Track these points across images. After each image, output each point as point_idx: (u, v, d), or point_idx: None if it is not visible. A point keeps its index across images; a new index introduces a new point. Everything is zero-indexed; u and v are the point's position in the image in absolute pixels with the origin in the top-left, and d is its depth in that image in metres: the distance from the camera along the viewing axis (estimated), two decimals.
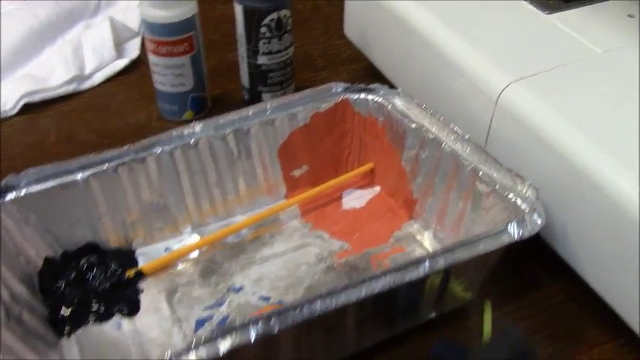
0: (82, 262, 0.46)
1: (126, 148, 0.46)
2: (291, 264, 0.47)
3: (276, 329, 0.34)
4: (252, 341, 0.33)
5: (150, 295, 0.45)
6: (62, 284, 0.44)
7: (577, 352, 0.42)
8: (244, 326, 0.33)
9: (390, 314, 0.39)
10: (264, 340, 0.34)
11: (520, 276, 0.47)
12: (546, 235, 0.43)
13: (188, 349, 0.32)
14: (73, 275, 0.45)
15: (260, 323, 0.33)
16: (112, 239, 0.47)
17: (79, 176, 0.44)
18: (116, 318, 0.43)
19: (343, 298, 0.35)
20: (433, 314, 0.42)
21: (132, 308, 0.44)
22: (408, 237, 0.48)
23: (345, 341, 0.39)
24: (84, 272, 0.46)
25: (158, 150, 0.46)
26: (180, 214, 0.49)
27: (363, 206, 0.51)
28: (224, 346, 0.33)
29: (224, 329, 0.33)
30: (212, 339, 0.33)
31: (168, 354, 0.32)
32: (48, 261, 0.45)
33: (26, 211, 0.43)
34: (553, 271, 0.46)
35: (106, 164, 0.45)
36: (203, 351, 0.32)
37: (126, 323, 0.43)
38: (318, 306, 0.34)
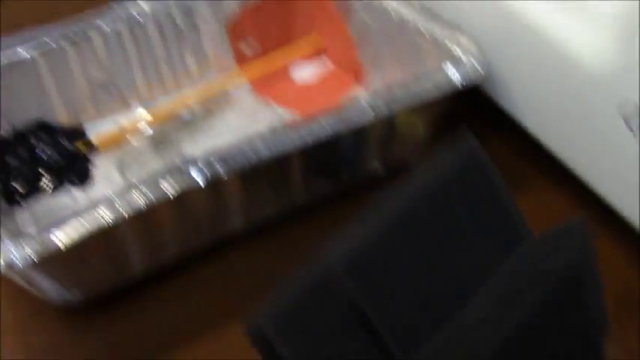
0: (32, 139, 0.46)
1: (70, 23, 0.45)
2: (242, 135, 0.47)
3: (221, 172, 0.35)
4: (203, 185, 0.34)
5: (101, 167, 0.45)
6: (13, 160, 0.45)
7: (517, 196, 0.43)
8: (187, 165, 0.34)
9: (334, 165, 0.40)
10: (211, 186, 0.35)
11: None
12: (488, 89, 0.44)
13: (131, 187, 0.33)
14: (23, 151, 0.45)
15: (205, 167, 0.34)
16: (61, 117, 0.47)
17: (26, 53, 0.44)
18: (69, 188, 0.44)
19: (287, 143, 0.36)
20: (380, 168, 0.43)
21: (83, 178, 0.44)
22: None
23: (292, 193, 0.40)
24: (35, 148, 0.46)
25: (103, 25, 0.46)
26: (129, 91, 0.49)
27: (312, 76, 0.51)
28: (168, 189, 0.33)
29: (167, 170, 0.34)
30: (155, 180, 0.33)
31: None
32: None
33: None
34: (494, 128, 0.48)
35: (52, 41, 0.44)
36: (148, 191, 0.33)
37: (79, 194, 0.44)
38: (262, 149, 0.35)
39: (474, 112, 0.47)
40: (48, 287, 0.36)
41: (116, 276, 0.37)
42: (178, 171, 0.34)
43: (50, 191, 0.44)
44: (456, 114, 0.41)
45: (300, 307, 0.29)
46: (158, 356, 0.36)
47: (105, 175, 0.45)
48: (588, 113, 0.38)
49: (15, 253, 0.30)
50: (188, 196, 0.35)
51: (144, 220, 0.35)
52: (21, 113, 0.45)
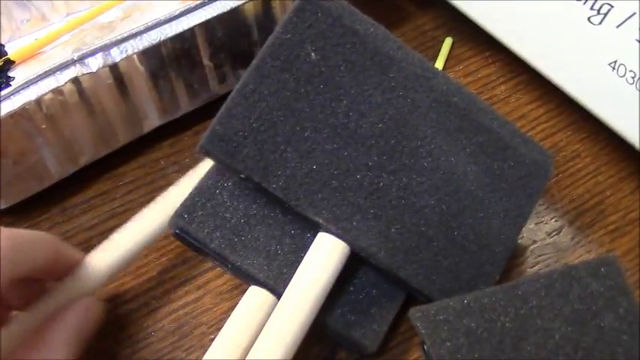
0: None
1: None
2: None
3: (118, 58, 0.34)
4: (95, 70, 0.33)
5: (22, 80, 0.44)
6: None
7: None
8: (83, 58, 0.33)
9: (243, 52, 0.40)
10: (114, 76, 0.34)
11: (386, 11, 0.47)
12: None
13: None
14: None
15: (100, 54, 0.34)
16: None
17: None
18: None
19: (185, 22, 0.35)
20: None
21: None
22: None
23: (206, 84, 0.40)
24: None
25: None
26: (45, 2, 0.47)
27: None
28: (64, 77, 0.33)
29: (63, 63, 0.33)
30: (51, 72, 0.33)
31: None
32: None
33: None
34: (420, 4, 0.47)
35: None
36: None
37: None
38: (158, 32, 0.34)
39: None
40: None
41: (35, 182, 0.37)
42: (70, 62, 0.33)
43: None
44: None
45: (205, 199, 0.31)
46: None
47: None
48: None
49: None
50: (90, 89, 0.34)
51: (45, 116, 0.34)
52: None
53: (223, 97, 0.40)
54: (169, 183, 0.38)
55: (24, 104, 0.32)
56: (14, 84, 0.43)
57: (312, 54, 0.30)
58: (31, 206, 0.38)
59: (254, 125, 0.29)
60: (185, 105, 0.40)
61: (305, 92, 0.29)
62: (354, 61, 0.30)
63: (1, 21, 0.46)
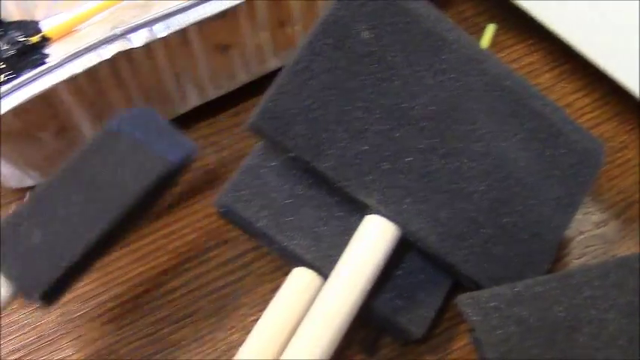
0: None
1: None
2: None
3: (162, 34, 0.33)
4: (138, 45, 0.33)
5: (58, 58, 0.44)
6: None
7: None
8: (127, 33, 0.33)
9: None
10: (150, 51, 0.34)
11: None
12: None
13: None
14: None
15: (144, 29, 0.33)
16: (13, 12, 0.46)
17: None
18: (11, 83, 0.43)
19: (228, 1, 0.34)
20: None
21: None
22: None
23: (246, 64, 0.39)
24: None
25: None
26: None
27: None
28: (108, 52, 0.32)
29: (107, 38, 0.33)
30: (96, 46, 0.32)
31: None
32: None
33: None
34: None
35: None
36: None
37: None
38: (204, 9, 0.34)
39: None
40: (4, 171, 0.35)
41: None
42: (114, 37, 0.33)
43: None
44: None
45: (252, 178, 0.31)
46: None
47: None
48: None
49: None
50: (129, 62, 0.34)
51: (88, 91, 0.34)
52: None
53: (263, 78, 0.41)
54: (207, 163, 0.39)
55: (67, 78, 0.32)
56: (50, 60, 0.43)
57: (365, 33, 0.29)
58: None
59: (305, 103, 0.28)
60: (224, 85, 0.39)
61: (357, 71, 0.29)
62: (406, 42, 0.30)
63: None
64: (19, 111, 0.31)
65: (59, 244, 0.27)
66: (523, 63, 0.42)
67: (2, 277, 0.27)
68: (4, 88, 0.31)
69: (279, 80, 0.28)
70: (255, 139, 0.39)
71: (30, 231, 0.27)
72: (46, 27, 0.46)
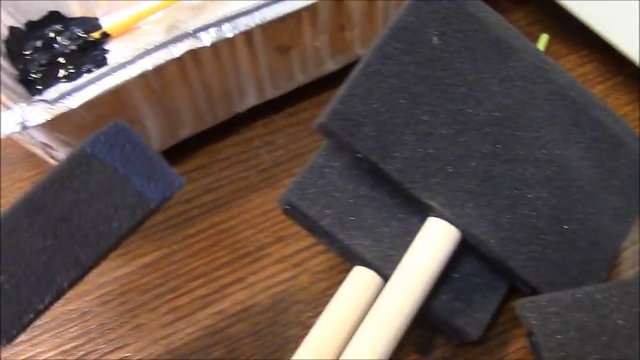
0: (46, 30, 0.46)
1: None
2: None
3: (229, 34, 0.34)
4: (208, 45, 0.34)
5: (117, 54, 0.45)
6: (29, 51, 0.45)
7: None
8: (197, 32, 0.34)
9: None
10: (218, 51, 0.35)
11: None
12: None
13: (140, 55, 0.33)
14: (39, 42, 0.45)
15: (213, 29, 0.34)
16: (74, 8, 0.47)
17: None
18: (85, 77, 0.44)
19: (293, 4, 0.35)
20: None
21: (100, 67, 0.44)
22: None
23: (305, 65, 0.40)
24: (50, 39, 0.46)
25: None
26: None
27: None
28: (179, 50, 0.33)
29: (178, 36, 0.34)
30: (167, 44, 0.33)
31: None
32: (12, 30, 0.45)
33: None
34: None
35: None
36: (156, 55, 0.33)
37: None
38: (269, 12, 0.35)
39: None
40: None
41: None
42: (185, 36, 0.34)
43: (67, 80, 0.44)
44: None
45: (316, 177, 0.31)
46: (180, 227, 0.37)
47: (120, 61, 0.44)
48: None
49: (30, 113, 0.31)
50: (196, 61, 0.35)
51: (155, 87, 0.35)
52: (32, 4, 0.45)
53: (318, 80, 0.41)
54: (262, 162, 0.39)
55: (137, 75, 0.33)
56: (110, 57, 0.45)
57: (435, 38, 0.30)
58: None
59: (375, 105, 0.29)
60: (282, 86, 0.40)
61: (425, 76, 0.29)
62: (474, 48, 0.30)
63: None
64: (90, 105, 0.32)
65: (27, 290, 0.24)
66: (576, 73, 0.42)
67: None
68: (80, 81, 0.32)
69: (349, 82, 0.29)
70: (310, 139, 0.40)
71: None
72: (106, 24, 0.47)
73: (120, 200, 0.25)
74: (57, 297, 0.24)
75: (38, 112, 0.31)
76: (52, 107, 0.31)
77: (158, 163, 0.26)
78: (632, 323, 0.28)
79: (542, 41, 0.44)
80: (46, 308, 0.24)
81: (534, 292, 0.30)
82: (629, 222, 0.31)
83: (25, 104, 0.31)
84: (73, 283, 0.24)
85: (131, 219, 0.25)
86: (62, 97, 0.32)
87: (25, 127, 0.31)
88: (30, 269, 0.24)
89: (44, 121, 0.31)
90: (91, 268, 0.25)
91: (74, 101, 0.32)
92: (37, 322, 0.33)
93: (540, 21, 0.45)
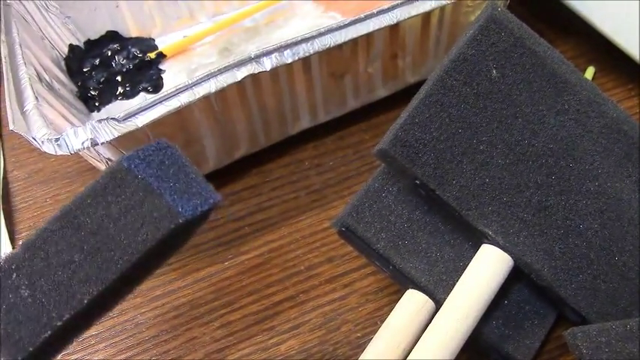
0: (104, 49, 0.48)
1: None
2: None
3: (289, 60, 0.35)
4: (269, 69, 0.35)
5: (171, 74, 0.47)
6: (88, 68, 0.46)
7: None
8: (259, 57, 0.35)
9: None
10: (277, 76, 0.36)
11: None
12: None
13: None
14: (97, 60, 0.47)
15: (274, 54, 0.35)
16: (131, 28, 0.49)
17: None
18: (142, 95, 0.45)
19: (351, 32, 0.36)
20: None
21: (155, 86, 0.46)
22: None
23: (357, 90, 0.41)
24: (108, 58, 0.47)
25: None
26: (195, 3, 0.50)
27: None
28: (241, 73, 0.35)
29: (240, 61, 0.35)
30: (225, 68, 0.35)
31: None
32: (73, 47, 0.46)
33: None
34: (561, 32, 0.47)
35: None
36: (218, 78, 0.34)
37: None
38: (328, 39, 0.36)
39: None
40: None
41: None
42: (247, 60, 0.35)
43: (124, 97, 0.45)
44: None
45: (372, 201, 0.32)
46: (233, 245, 0.38)
47: (175, 81, 0.46)
48: None
49: (99, 131, 0.32)
50: (255, 84, 0.36)
51: (215, 108, 0.36)
52: (92, 23, 0.47)
53: (368, 106, 0.42)
54: (312, 183, 0.40)
55: (202, 96, 0.34)
56: (165, 76, 0.46)
57: (494, 71, 0.31)
58: None
59: (434, 134, 0.30)
60: (335, 110, 0.41)
61: (483, 107, 0.30)
62: (531, 81, 0.31)
63: (154, 17, 0.49)
64: (155, 123, 0.33)
65: (48, 303, 0.23)
66: (623, 107, 0.43)
67: None
68: (147, 101, 0.33)
69: (409, 111, 0.30)
70: (358, 163, 0.41)
71: (17, 286, 0.23)
72: (162, 44, 0.49)
73: (148, 213, 0.23)
74: (77, 315, 0.23)
75: (108, 129, 0.32)
76: (122, 125, 0.32)
77: (195, 180, 0.24)
78: None
79: (589, 74, 0.45)
80: (67, 326, 0.23)
81: (583, 321, 0.31)
82: None
83: (95, 122, 0.32)
84: (93, 302, 0.23)
85: (156, 232, 0.23)
86: (131, 115, 0.33)
87: (95, 144, 0.32)
88: (54, 283, 0.23)
89: (112, 138, 0.32)
90: (113, 286, 0.23)
91: (141, 120, 0.33)
92: (92, 332, 0.35)
93: (586, 53, 0.46)
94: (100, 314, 0.25)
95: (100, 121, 0.33)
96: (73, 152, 0.32)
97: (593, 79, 0.45)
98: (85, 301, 0.23)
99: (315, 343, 0.34)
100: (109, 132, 0.32)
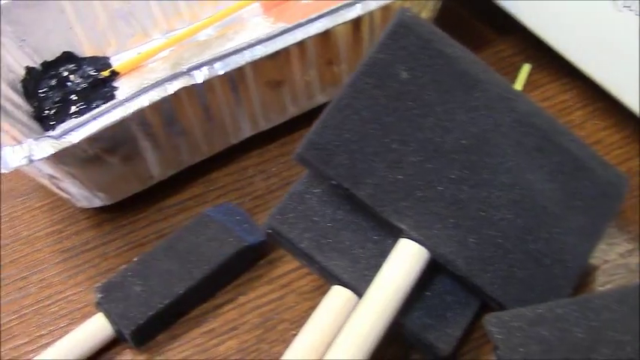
0: (61, 69, 0.49)
1: None
2: None
3: (220, 72, 0.37)
4: (201, 82, 0.37)
5: (124, 90, 0.48)
6: (44, 89, 0.48)
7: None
8: (191, 70, 0.37)
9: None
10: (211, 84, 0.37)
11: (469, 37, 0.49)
12: None
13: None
14: (54, 81, 0.49)
15: (205, 67, 0.37)
16: (86, 48, 0.50)
17: None
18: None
19: (280, 42, 0.38)
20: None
21: (108, 101, 0.48)
22: None
23: (295, 97, 0.43)
24: (64, 78, 0.49)
25: None
26: (147, 20, 0.51)
27: None
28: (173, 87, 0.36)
29: (173, 75, 0.37)
30: (161, 82, 0.36)
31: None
32: (30, 70, 0.48)
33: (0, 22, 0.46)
34: (500, 31, 0.49)
35: None
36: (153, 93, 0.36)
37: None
38: (258, 50, 0.38)
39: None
40: (75, 192, 0.39)
41: (137, 182, 0.41)
42: (179, 74, 0.36)
43: (79, 115, 0.47)
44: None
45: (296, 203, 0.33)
46: None
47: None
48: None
49: (36, 148, 0.34)
50: (190, 96, 0.38)
51: (152, 122, 0.38)
52: (47, 45, 0.49)
53: (310, 112, 0.44)
54: (256, 189, 0.42)
55: (136, 110, 0.36)
56: (119, 93, 0.48)
57: (404, 73, 0.32)
58: (130, 205, 0.41)
59: (346, 136, 0.31)
60: (275, 118, 0.43)
61: (395, 108, 0.32)
62: (441, 81, 0.32)
63: (108, 36, 0.51)
64: (92, 139, 0.35)
65: (154, 293, 0.35)
66: (556, 101, 0.44)
67: (104, 319, 0.35)
68: (82, 118, 0.35)
69: (323, 116, 0.31)
70: (300, 167, 0.42)
71: (133, 283, 0.36)
72: (116, 62, 0.50)
73: (225, 240, 0.37)
74: (176, 302, 0.35)
75: (44, 146, 0.34)
76: (57, 142, 0.34)
77: (251, 223, 0.38)
78: (591, 336, 0.29)
79: (524, 70, 0.46)
80: (168, 310, 0.35)
81: (502, 308, 0.32)
82: (594, 240, 0.33)
83: (32, 140, 0.34)
84: (187, 292, 0.36)
85: (230, 250, 0.37)
86: (66, 132, 0.35)
87: (31, 161, 0.34)
88: (159, 282, 0.36)
89: (48, 155, 0.34)
90: (201, 283, 0.36)
91: (76, 136, 0.34)
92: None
93: (524, 51, 0.48)
94: (189, 306, 0.37)
95: (36, 138, 0.34)
96: (11, 169, 0.34)
97: (529, 75, 0.46)
98: (181, 291, 0.35)
99: (254, 342, 0.35)
100: (45, 149, 0.34)
